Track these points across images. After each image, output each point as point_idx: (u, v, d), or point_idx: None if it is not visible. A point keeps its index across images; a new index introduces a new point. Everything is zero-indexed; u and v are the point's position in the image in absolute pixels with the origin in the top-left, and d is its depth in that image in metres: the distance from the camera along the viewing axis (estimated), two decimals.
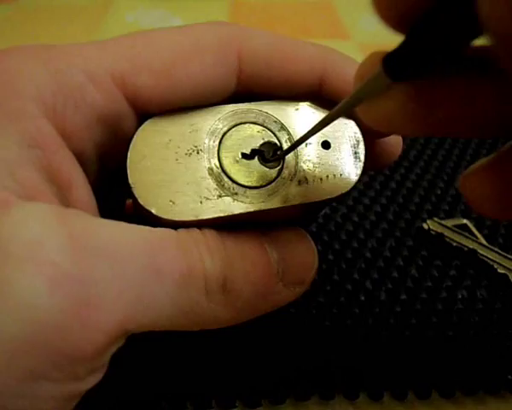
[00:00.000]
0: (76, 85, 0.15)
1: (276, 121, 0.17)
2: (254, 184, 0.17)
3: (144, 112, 0.17)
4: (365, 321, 0.23)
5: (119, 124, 0.17)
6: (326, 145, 0.17)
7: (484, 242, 0.27)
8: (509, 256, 0.26)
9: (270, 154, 0.17)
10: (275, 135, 0.17)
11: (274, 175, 0.17)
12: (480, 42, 0.10)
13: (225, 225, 0.16)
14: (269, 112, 0.18)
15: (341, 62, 0.18)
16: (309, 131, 0.16)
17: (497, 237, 0.28)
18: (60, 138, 0.15)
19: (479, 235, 0.28)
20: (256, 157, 0.17)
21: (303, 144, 0.17)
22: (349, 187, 0.17)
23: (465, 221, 0.29)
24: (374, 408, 0.21)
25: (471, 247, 0.27)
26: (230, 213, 0.16)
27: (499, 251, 0.27)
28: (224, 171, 0.17)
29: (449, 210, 0.30)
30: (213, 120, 0.17)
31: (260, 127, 0.17)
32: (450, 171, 0.34)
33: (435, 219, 0.29)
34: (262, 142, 0.17)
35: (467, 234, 0.28)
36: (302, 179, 0.17)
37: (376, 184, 0.32)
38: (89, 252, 0.13)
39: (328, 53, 0.18)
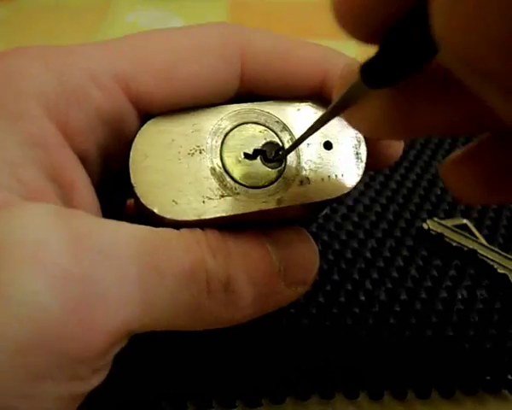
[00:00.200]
0: (78, 86, 0.16)
1: (278, 121, 0.18)
2: (256, 184, 0.17)
3: (147, 112, 0.17)
4: (365, 321, 0.23)
5: (121, 124, 0.17)
6: (328, 146, 0.17)
7: (484, 242, 0.28)
8: (509, 256, 0.26)
9: (272, 154, 0.17)
10: (277, 135, 0.17)
11: (276, 175, 0.17)
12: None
13: (227, 225, 0.16)
14: (271, 112, 0.18)
15: (343, 63, 0.18)
16: (307, 131, 0.16)
17: (497, 237, 0.28)
18: (62, 139, 0.15)
19: (479, 235, 0.28)
20: (258, 157, 0.17)
21: (305, 145, 0.17)
22: (351, 187, 0.17)
23: (465, 221, 0.29)
24: (374, 408, 0.21)
25: (471, 247, 0.27)
26: (233, 213, 0.16)
27: (499, 251, 0.27)
28: (226, 171, 0.17)
29: (449, 210, 0.30)
30: (216, 120, 0.17)
31: (262, 127, 0.17)
32: None
33: (435, 219, 0.29)
34: (264, 142, 0.17)
35: (467, 234, 0.28)
36: (304, 180, 0.17)
37: (376, 184, 0.32)
38: (91, 253, 0.13)
39: (330, 54, 0.18)
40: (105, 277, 0.13)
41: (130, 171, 0.16)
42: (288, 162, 0.17)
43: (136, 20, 0.53)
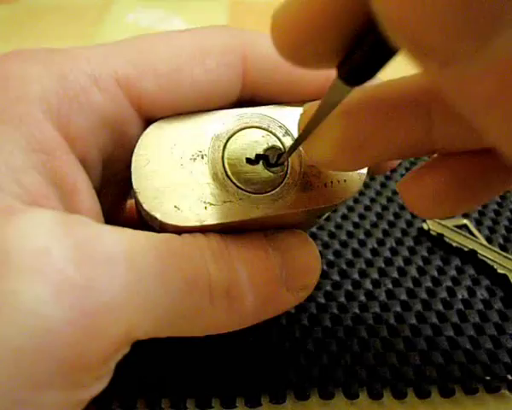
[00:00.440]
0: (80, 89, 0.15)
1: (280, 126, 0.17)
2: (259, 190, 0.16)
3: (149, 116, 0.17)
4: (365, 321, 0.23)
5: (123, 128, 0.17)
6: None
7: (484, 242, 0.28)
8: (509, 256, 0.26)
9: (274, 159, 0.17)
10: (279, 140, 0.17)
11: (278, 180, 0.17)
12: None
13: (230, 231, 0.16)
14: (273, 117, 0.17)
15: None
16: (299, 137, 0.16)
17: (497, 237, 0.28)
18: (64, 143, 0.15)
19: (479, 235, 0.28)
20: (260, 162, 0.17)
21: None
22: (353, 193, 0.17)
23: (465, 221, 0.29)
24: (374, 408, 0.21)
25: (471, 247, 0.27)
26: (235, 219, 0.16)
27: (499, 251, 0.27)
28: (228, 176, 0.16)
29: None
30: (218, 125, 0.17)
31: (265, 132, 0.17)
32: None
33: (435, 219, 0.29)
34: (266, 147, 0.17)
35: (467, 234, 0.28)
36: (306, 185, 0.17)
37: (376, 185, 0.32)
38: (94, 260, 0.13)
39: None
40: (107, 284, 0.13)
41: (133, 176, 0.16)
42: (291, 168, 0.17)
43: (136, 21, 0.53)
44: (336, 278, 0.26)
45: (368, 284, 0.25)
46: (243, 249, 0.16)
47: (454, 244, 0.27)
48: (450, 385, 0.21)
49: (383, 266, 0.26)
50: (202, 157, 0.16)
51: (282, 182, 0.17)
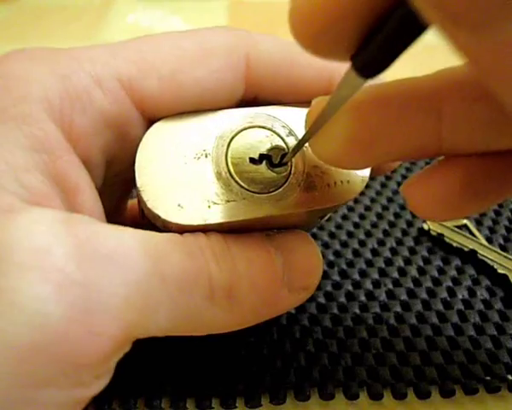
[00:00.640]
0: (83, 89, 0.15)
1: (284, 126, 0.17)
2: (262, 190, 0.16)
3: (152, 116, 0.17)
4: (365, 321, 0.23)
5: (126, 128, 0.17)
6: None
7: (484, 242, 0.28)
8: (509, 256, 0.26)
9: (277, 159, 0.17)
10: (283, 140, 0.17)
11: (282, 181, 0.17)
12: None
13: (232, 230, 0.16)
14: (277, 116, 0.17)
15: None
16: (307, 133, 0.16)
17: (497, 237, 0.28)
18: (66, 143, 0.15)
19: (479, 235, 0.28)
20: (264, 162, 0.17)
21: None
22: (356, 194, 0.17)
23: (465, 221, 0.29)
24: (374, 408, 0.21)
25: (471, 247, 0.27)
26: (238, 219, 0.16)
27: (499, 251, 0.27)
28: (231, 175, 0.16)
29: None
30: (221, 124, 0.17)
31: (268, 132, 0.17)
32: None
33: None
34: (270, 147, 0.17)
35: (467, 234, 0.28)
36: (310, 186, 0.17)
37: (377, 185, 0.32)
38: (95, 259, 0.13)
39: None
40: (108, 283, 0.13)
41: (136, 175, 0.16)
42: (294, 168, 0.17)
43: (136, 21, 0.53)
44: (336, 278, 0.26)
45: (368, 285, 0.25)
46: (245, 249, 0.16)
47: (454, 244, 0.27)
48: (450, 385, 0.21)
49: (383, 266, 0.26)
50: (206, 156, 0.16)
51: (285, 182, 0.17)
